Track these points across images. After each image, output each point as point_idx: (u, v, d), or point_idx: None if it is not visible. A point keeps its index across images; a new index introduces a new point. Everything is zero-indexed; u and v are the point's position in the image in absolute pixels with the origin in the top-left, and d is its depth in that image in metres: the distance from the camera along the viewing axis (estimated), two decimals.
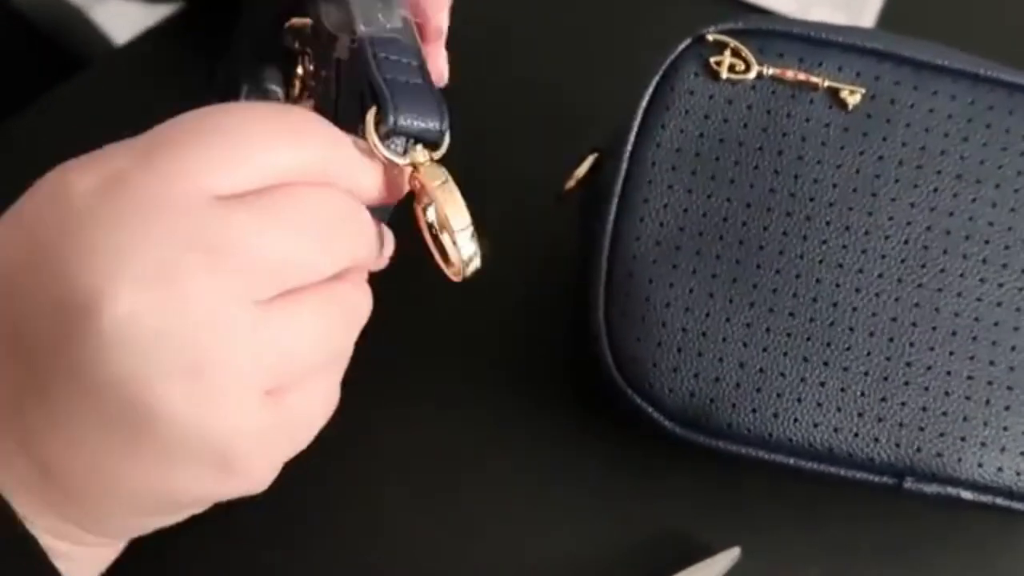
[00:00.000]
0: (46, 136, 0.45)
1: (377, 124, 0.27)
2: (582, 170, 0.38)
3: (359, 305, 0.28)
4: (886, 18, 0.51)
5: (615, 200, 0.36)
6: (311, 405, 0.27)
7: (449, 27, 0.34)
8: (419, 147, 0.28)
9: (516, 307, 0.42)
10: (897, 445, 0.34)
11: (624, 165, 0.36)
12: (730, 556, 0.37)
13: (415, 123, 0.28)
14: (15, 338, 0.24)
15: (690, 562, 0.37)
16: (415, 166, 0.28)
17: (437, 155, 0.29)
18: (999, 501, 0.34)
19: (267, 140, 0.25)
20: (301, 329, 0.25)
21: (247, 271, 0.24)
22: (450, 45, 0.35)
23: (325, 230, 0.26)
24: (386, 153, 0.27)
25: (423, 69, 0.29)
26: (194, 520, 0.29)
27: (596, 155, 0.38)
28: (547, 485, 0.39)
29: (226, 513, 0.29)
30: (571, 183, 0.38)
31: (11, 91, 0.47)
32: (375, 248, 0.28)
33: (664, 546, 0.38)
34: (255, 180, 0.25)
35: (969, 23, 0.51)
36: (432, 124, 0.28)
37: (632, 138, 0.36)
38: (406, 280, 0.33)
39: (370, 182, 0.27)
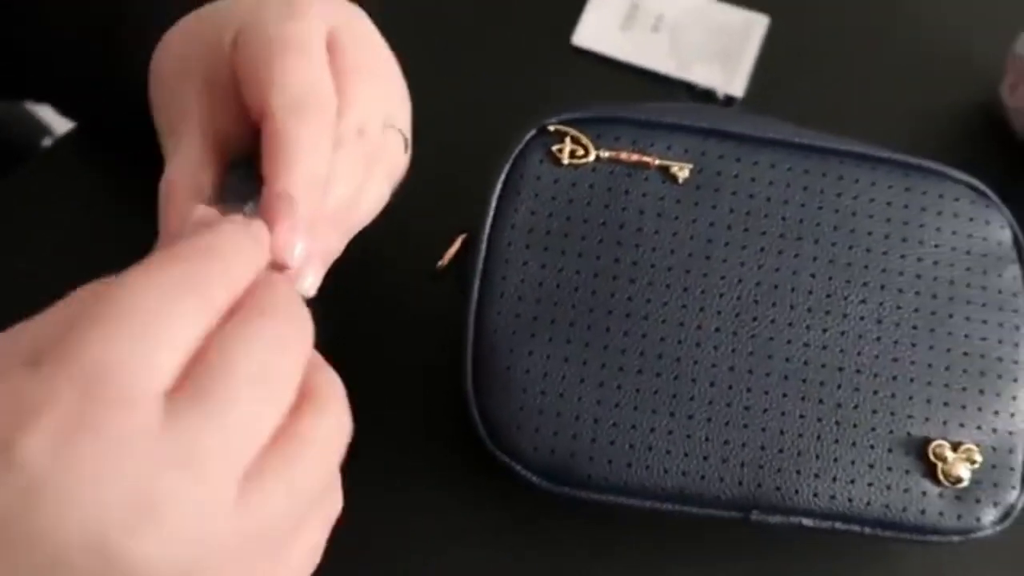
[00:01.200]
0: None
1: None
2: (452, 250, 0.42)
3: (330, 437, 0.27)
4: (759, 73, 0.56)
5: (477, 279, 0.39)
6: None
7: None
8: None
9: (407, 379, 0.45)
10: (740, 483, 0.38)
11: (483, 246, 0.40)
12: None
13: None
14: None
15: None
16: None
17: None
18: (838, 526, 0.38)
19: (176, 314, 0.24)
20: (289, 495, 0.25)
21: (222, 467, 0.24)
22: None
23: (273, 379, 0.25)
24: None
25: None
26: None
27: (464, 235, 0.42)
28: (451, 541, 0.42)
29: None
30: (443, 262, 0.42)
31: None
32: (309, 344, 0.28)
33: None
34: (191, 350, 0.24)
35: (835, 82, 0.56)
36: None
37: (489, 221, 0.40)
38: None
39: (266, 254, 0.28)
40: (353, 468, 0.42)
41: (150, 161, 0.35)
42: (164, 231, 0.32)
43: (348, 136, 0.33)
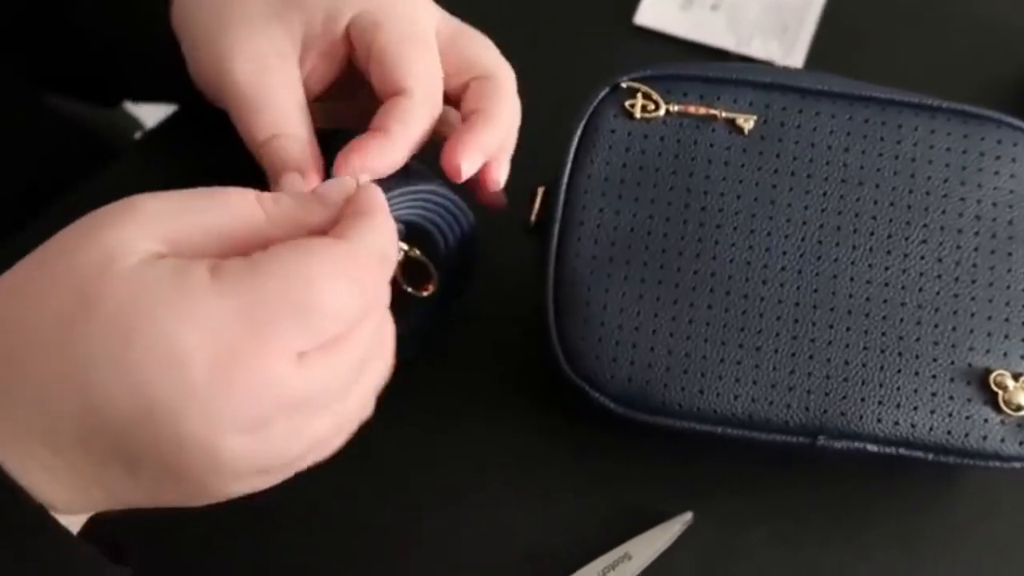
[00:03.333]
0: None
1: None
2: (537, 204, 0.45)
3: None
4: (816, 50, 0.58)
5: (556, 225, 0.43)
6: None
7: None
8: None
9: (496, 323, 0.48)
10: (807, 409, 0.40)
11: (562, 196, 0.43)
12: (683, 520, 0.44)
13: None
14: (119, 450, 0.28)
15: (648, 528, 0.43)
16: None
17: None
18: (901, 451, 0.40)
19: (343, 307, 0.29)
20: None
21: (315, 410, 0.30)
22: None
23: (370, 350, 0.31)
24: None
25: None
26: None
27: (543, 189, 0.45)
28: (522, 472, 0.45)
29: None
30: (533, 217, 0.45)
31: (46, 180, 0.53)
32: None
33: (624, 516, 0.44)
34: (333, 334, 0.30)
35: (892, 56, 0.58)
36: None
37: (567, 173, 0.43)
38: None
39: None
40: (447, 400, 0.46)
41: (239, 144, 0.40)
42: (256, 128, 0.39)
43: None
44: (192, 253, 0.29)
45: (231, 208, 0.30)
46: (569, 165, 0.43)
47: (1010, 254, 0.42)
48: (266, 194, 0.32)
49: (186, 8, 0.42)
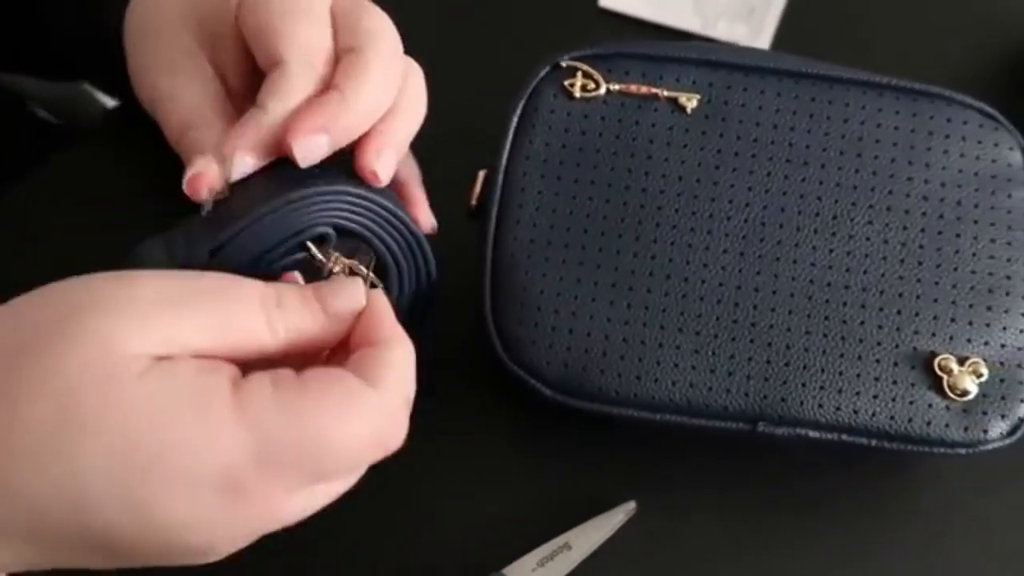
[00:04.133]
0: (43, 207, 0.53)
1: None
2: (478, 188, 0.44)
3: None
4: (782, 32, 0.57)
5: (494, 209, 0.42)
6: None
7: None
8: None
9: (438, 311, 0.48)
10: (746, 395, 0.39)
11: (500, 178, 0.42)
12: (626, 509, 0.43)
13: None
14: (99, 545, 0.28)
15: (590, 517, 0.43)
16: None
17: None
18: (843, 437, 0.39)
19: (358, 456, 0.30)
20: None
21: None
22: None
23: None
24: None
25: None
26: None
27: (485, 172, 0.44)
28: (466, 459, 0.44)
29: None
30: (473, 201, 0.45)
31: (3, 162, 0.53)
32: None
33: (567, 506, 0.43)
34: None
35: (860, 38, 0.57)
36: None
37: (505, 156, 0.42)
38: None
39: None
40: None
41: None
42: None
43: None
44: (188, 355, 0.28)
45: (234, 314, 0.29)
46: (507, 147, 0.42)
47: (958, 235, 0.41)
48: (271, 292, 0.30)
49: (128, 16, 0.42)
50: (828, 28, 0.57)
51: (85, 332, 0.27)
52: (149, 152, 0.52)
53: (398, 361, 0.30)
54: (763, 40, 0.57)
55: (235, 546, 0.29)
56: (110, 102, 0.70)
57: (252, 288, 0.30)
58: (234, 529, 0.28)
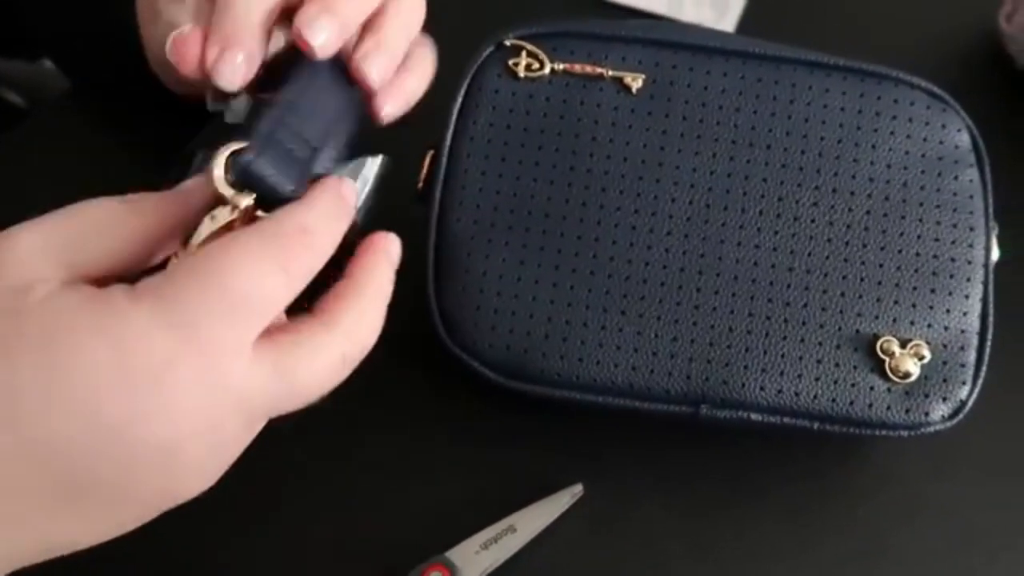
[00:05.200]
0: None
1: (235, 157, 0.30)
2: (425, 168, 0.44)
3: None
4: (749, 14, 0.56)
5: (438, 190, 0.41)
6: None
7: None
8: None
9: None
10: (688, 377, 0.39)
11: (444, 159, 0.42)
12: (572, 492, 0.43)
13: (267, 174, 0.30)
14: (59, 485, 0.27)
15: (536, 500, 0.42)
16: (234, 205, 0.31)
17: (259, 212, 0.31)
18: (785, 420, 0.39)
19: (270, 291, 0.28)
20: None
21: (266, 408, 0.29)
22: None
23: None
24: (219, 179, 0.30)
25: (316, 152, 0.32)
26: None
27: (432, 153, 0.44)
28: (411, 441, 0.44)
29: None
30: (420, 182, 0.44)
31: None
32: None
33: (513, 489, 0.43)
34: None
35: (827, 21, 0.56)
36: (283, 186, 0.31)
37: (449, 136, 0.42)
38: None
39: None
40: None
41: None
42: None
43: None
44: (95, 269, 0.29)
45: (101, 216, 0.29)
46: (451, 128, 0.42)
47: (903, 217, 0.40)
48: (131, 196, 0.30)
49: None
50: (794, 11, 0.56)
51: None
52: (98, 133, 0.53)
53: (352, 299, 0.31)
54: (728, 21, 0.57)
55: (209, 446, 0.28)
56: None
57: (103, 198, 0.30)
58: (197, 415, 0.27)
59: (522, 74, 0.42)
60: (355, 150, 0.35)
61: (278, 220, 0.29)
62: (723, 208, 0.40)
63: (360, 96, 0.36)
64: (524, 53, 0.42)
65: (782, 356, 0.39)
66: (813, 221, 0.40)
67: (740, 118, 0.41)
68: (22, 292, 0.27)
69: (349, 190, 0.32)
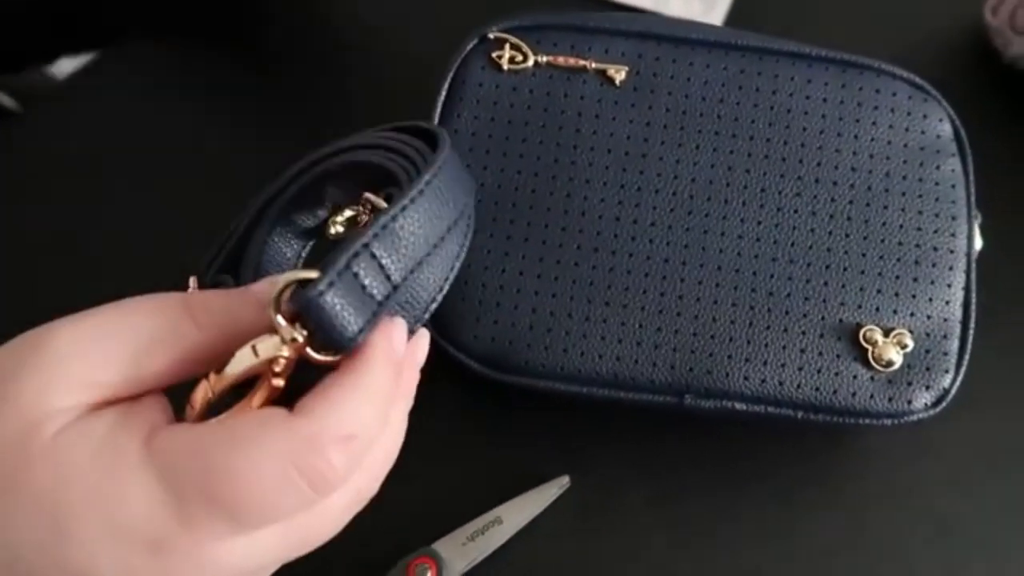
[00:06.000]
0: None
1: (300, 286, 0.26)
2: None
3: None
4: (737, 8, 0.56)
5: None
6: None
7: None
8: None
9: None
10: (672, 367, 0.39)
11: None
12: (559, 483, 0.43)
13: (338, 314, 0.26)
14: None
15: (523, 491, 0.42)
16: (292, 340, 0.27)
17: (310, 350, 0.27)
18: (769, 409, 0.39)
19: (272, 502, 0.26)
20: None
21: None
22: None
23: None
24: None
25: (389, 299, 0.28)
26: None
27: None
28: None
29: None
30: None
31: None
32: None
33: (500, 481, 0.43)
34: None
35: (814, 12, 0.57)
36: (348, 330, 0.27)
37: None
38: None
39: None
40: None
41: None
42: None
43: None
44: (126, 388, 0.27)
45: (144, 324, 0.27)
46: (436, 120, 0.42)
47: (885, 207, 0.41)
48: (195, 297, 0.28)
49: None
50: (781, 3, 0.56)
51: (4, 402, 0.26)
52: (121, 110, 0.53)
53: (342, 390, 0.27)
54: (717, 14, 0.57)
55: None
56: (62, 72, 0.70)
57: (163, 296, 0.28)
58: None
59: (506, 67, 0.42)
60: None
61: (321, 419, 0.26)
62: (706, 199, 0.41)
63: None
64: (508, 46, 0.42)
65: (765, 346, 0.39)
66: (796, 211, 0.40)
67: (723, 109, 0.41)
68: (30, 429, 0.25)
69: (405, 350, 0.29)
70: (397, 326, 0.29)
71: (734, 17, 0.57)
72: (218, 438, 0.26)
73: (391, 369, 0.28)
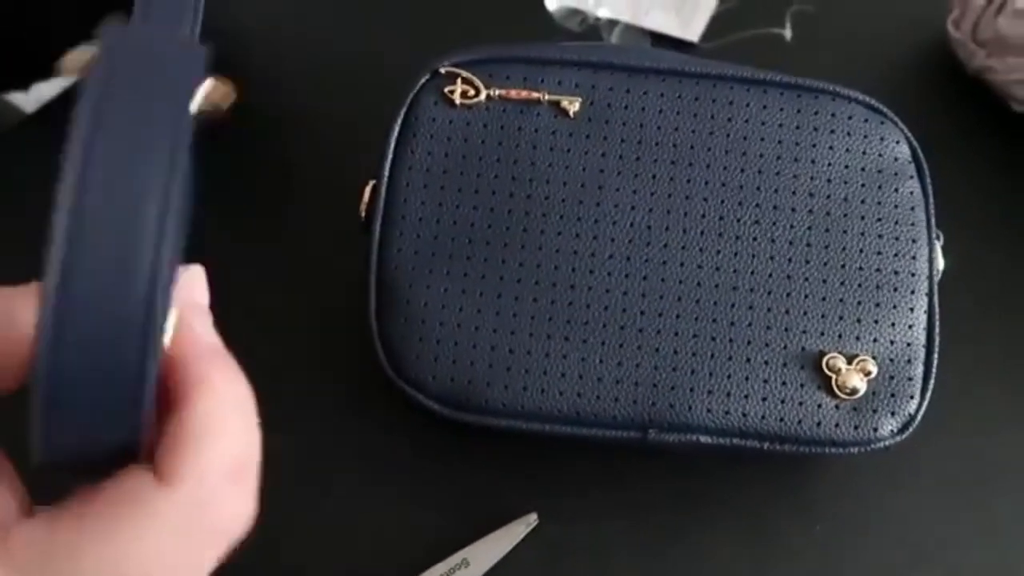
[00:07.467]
0: None
1: None
2: (365, 200, 0.43)
3: None
4: (715, 23, 0.56)
5: (378, 222, 0.41)
6: None
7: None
8: None
9: (333, 327, 0.47)
10: (635, 402, 0.39)
11: (383, 189, 0.41)
12: (527, 521, 0.42)
13: None
14: None
15: (490, 531, 0.42)
16: None
17: None
18: (735, 441, 0.39)
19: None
20: None
21: None
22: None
23: None
24: None
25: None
26: None
27: (372, 184, 0.43)
28: (361, 475, 0.43)
29: None
30: (362, 214, 0.44)
31: None
32: None
33: (467, 521, 0.42)
34: None
35: (793, 30, 0.56)
36: None
37: (388, 165, 0.41)
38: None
39: None
40: (282, 406, 0.44)
41: None
42: None
43: None
44: None
45: None
46: (389, 159, 0.41)
47: (845, 232, 0.40)
48: None
49: None
50: (756, 16, 0.56)
51: None
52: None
53: (196, 434, 0.24)
54: (694, 30, 0.56)
55: None
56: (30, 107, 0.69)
57: None
58: None
59: (458, 101, 0.41)
60: None
61: (186, 485, 0.23)
62: (664, 229, 0.40)
63: None
64: (459, 80, 0.41)
65: (728, 377, 0.39)
66: (755, 239, 0.40)
67: (678, 137, 0.41)
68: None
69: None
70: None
71: (712, 33, 0.56)
72: (84, 537, 0.22)
73: (217, 360, 0.25)
